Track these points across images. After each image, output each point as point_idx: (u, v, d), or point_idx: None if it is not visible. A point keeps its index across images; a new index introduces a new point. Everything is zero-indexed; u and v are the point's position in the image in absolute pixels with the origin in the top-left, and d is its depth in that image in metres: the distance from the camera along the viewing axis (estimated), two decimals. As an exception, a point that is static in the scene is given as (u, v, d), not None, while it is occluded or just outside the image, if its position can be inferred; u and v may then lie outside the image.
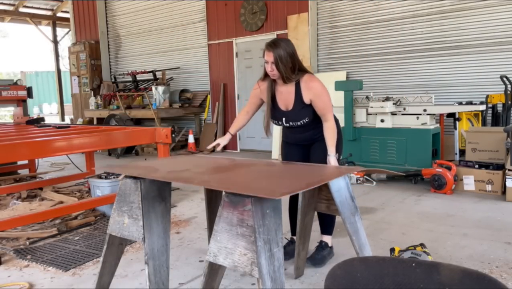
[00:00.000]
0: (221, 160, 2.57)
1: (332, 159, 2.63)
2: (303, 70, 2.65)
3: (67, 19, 12.68)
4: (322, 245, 2.92)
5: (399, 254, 2.63)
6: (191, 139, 8.37)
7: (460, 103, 5.19)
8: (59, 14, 14.05)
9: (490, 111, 5.24)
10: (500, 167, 4.50)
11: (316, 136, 2.75)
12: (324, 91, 2.61)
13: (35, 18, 13.78)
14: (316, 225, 3.46)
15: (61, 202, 4.39)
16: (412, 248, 2.63)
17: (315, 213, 2.61)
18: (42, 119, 6.03)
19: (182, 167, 2.29)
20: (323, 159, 2.66)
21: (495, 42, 5.50)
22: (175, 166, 2.34)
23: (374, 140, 5.24)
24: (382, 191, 4.76)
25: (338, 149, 2.71)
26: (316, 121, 2.69)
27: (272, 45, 2.55)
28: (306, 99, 2.62)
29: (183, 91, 8.84)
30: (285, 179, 1.95)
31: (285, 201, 1.80)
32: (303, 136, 2.79)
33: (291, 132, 2.82)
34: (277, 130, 7.24)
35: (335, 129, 2.67)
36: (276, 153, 7.11)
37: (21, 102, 6.89)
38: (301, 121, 2.67)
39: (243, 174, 2.09)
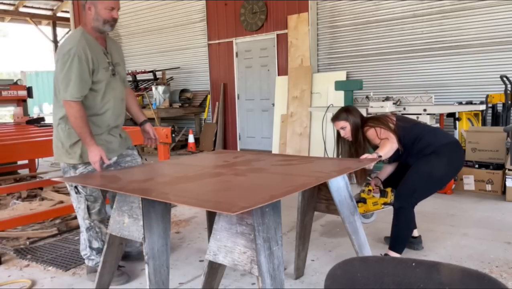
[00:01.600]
0: (191, 168, 2.51)
1: (371, 154, 2.70)
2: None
3: (67, 19, 12.67)
4: None
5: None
6: (191, 139, 8.37)
7: (460, 103, 5.19)
8: (59, 14, 14.04)
9: (490, 111, 5.23)
10: (500, 167, 4.50)
11: (417, 159, 2.85)
12: (369, 131, 2.87)
13: (35, 18, 13.78)
14: (316, 225, 3.47)
15: (61, 202, 4.38)
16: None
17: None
18: (42, 119, 6.03)
19: (147, 176, 2.23)
20: (414, 169, 2.81)
21: (495, 42, 5.50)
22: (141, 175, 2.28)
23: (374, 140, 5.23)
24: (382, 191, 4.75)
25: (433, 165, 2.78)
26: (409, 151, 2.83)
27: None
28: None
29: (183, 91, 8.84)
30: (249, 191, 1.85)
31: (285, 199, 1.79)
32: (408, 160, 2.94)
33: (401, 161, 3.01)
34: (277, 130, 7.25)
35: (390, 146, 2.75)
36: (276, 152, 7.11)
37: (21, 102, 6.89)
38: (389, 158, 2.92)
39: (207, 184, 2.04)
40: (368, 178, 3.01)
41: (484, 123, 5.27)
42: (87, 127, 2.42)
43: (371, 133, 2.86)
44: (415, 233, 3.11)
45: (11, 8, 13.00)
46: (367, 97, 5.43)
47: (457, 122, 5.22)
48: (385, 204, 2.90)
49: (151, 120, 8.95)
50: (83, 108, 2.44)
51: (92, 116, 2.54)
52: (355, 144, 2.93)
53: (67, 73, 2.38)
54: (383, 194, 2.92)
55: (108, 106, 2.59)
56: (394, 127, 2.83)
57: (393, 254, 2.80)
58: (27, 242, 3.43)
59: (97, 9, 2.44)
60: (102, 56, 2.54)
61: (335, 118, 2.97)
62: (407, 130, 2.85)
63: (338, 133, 3.01)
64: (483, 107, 5.05)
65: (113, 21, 2.50)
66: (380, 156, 2.66)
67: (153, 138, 2.83)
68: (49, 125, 5.17)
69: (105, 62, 2.56)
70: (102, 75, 2.51)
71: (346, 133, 2.94)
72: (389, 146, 2.75)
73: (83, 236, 2.71)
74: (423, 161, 2.78)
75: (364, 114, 5.31)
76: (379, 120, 2.90)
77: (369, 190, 2.92)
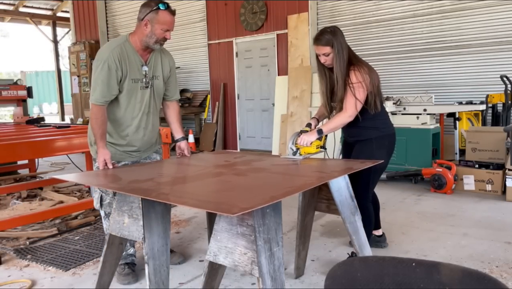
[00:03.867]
0: (191, 168, 2.52)
1: (313, 131, 2.64)
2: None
3: (67, 19, 12.67)
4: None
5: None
6: (191, 139, 8.35)
7: (460, 103, 5.19)
8: (59, 14, 14.04)
9: (490, 111, 5.23)
10: (500, 166, 4.50)
11: (359, 136, 2.79)
12: (354, 84, 2.61)
13: (35, 18, 13.78)
14: (316, 225, 3.47)
15: (61, 202, 4.39)
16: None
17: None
18: (42, 118, 6.03)
19: (147, 176, 2.23)
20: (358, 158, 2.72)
21: (495, 42, 5.50)
22: (141, 175, 2.27)
23: (374, 140, 5.23)
24: (382, 191, 4.75)
25: (376, 154, 2.69)
26: (360, 120, 2.70)
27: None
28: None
29: (183, 90, 8.84)
30: (249, 192, 1.84)
31: (286, 199, 1.79)
32: (348, 131, 2.88)
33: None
34: (277, 130, 7.25)
35: (340, 121, 2.66)
36: (276, 152, 7.11)
37: (21, 102, 6.89)
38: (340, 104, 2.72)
39: (208, 184, 2.03)
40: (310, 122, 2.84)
41: (484, 123, 5.27)
42: (100, 130, 2.52)
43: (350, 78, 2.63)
44: (380, 232, 3.15)
45: (11, 8, 13.00)
46: (367, 97, 5.42)
47: (457, 122, 5.22)
48: (318, 146, 2.71)
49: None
50: (104, 112, 2.55)
51: (112, 122, 2.65)
52: (336, 76, 2.65)
53: (95, 79, 2.52)
54: (319, 138, 2.71)
55: (129, 116, 2.66)
56: (371, 90, 2.65)
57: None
58: (27, 242, 3.43)
59: (154, 28, 2.51)
60: (135, 68, 2.60)
61: (317, 41, 2.66)
62: (374, 102, 2.69)
63: (318, 60, 2.74)
64: (483, 107, 5.05)
65: (164, 41, 2.60)
66: (320, 132, 2.61)
67: (187, 155, 2.88)
68: (49, 125, 5.17)
69: (137, 74, 2.61)
70: (127, 85, 2.59)
71: (328, 60, 2.67)
72: (338, 122, 2.66)
73: (104, 225, 2.82)
74: (366, 155, 2.70)
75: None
76: (362, 74, 2.63)
77: (305, 131, 2.71)
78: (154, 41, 2.55)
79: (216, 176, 2.21)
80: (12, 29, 27.37)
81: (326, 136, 2.76)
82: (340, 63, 2.64)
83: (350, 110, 2.63)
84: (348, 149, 2.94)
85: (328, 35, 2.64)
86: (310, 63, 6.93)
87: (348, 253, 2.92)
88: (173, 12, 2.56)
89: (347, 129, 2.87)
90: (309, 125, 2.79)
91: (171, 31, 2.58)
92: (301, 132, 2.66)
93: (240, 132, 8.32)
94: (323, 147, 2.75)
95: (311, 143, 2.60)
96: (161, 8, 2.49)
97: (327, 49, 2.65)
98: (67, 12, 12.23)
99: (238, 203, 1.58)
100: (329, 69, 2.76)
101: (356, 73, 2.64)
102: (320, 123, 2.90)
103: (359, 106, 2.64)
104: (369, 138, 2.76)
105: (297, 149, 2.60)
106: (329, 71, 2.77)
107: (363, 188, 2.74)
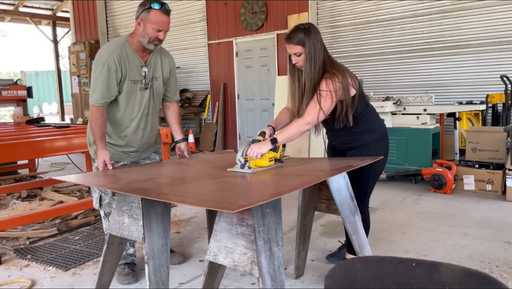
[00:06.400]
0: (191, 168, 2.52)
1: (266, 141, 2.34)
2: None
3: (67, 19, 12.68)
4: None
5: None
6: (191, 139, 8.34)
7: (460, 103, 5.19)
8: (59, 14, 14.05)
9: (490, 111, 5.23)
10: (500, 166, 4.50)
11: (354, 142, 2.56)
12: (323, 91, 2.35)
13: (35, 18, 13.78)
14: (316, 225, 3.47)
15: (61, 202, 4.39)
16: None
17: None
18: (42, 118, 6.03)
19: (147, 176, 2.22)
20: (359, 172, 2.40)
21: (495, 42, 5.50)
22: (140, 175, 2.26)
23: (374, 140, 5.23)
24: (382, 191, 4.76)
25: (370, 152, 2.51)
26: (349, 127, 2.50)
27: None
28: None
29: (183, 90, 8.84)
30: (249, 191, 1.85)
31: (286, 199, 1.79)
32: (340, 139, 2.62)
33: (329, 134, 2.69)
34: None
35: (296, 129, 2.38)
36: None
37: (21, 102, 6.89)
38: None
39: (207, 185, 2.02)
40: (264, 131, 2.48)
41: (484, 123, 5.27)
42: (100, 131, 2.50)
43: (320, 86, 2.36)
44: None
45: (11, 8, 13.00)
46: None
47: (457, 122, 5.23)
48: (272, 159, 2.35)
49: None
50: (104, 114, 2.53)
51: (111, 122, 2.64)
52: (304, 81, 2.39)
53: (95, 80, 2.51)
54: (274, 148, 2.37)
55: (128, 117, 2.65)
56: (343, 99, 2.38)
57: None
58: (27, 242, 3.43)
59: (146, 27, 2.48)
60: (135, 69, 2.59)
61: (288, 39, 2.39)
62: (345, 115, 2.43)
63: (290, 60, 2.46)
64: (483, 107, 5.06)
65: (157, 41, 2.56)
66: (275, 142, 2.30)
67: (187, 156, 2.85)
68: (49, 125, 5.17)
69: (136, 75, 2.60)
70: (126, 86, 2.57)
71: (299, 61, 2.39)
72: (295, 130, 2.35)
73: (104, 225, 2.82)
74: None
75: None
76: (334, 83, 2.34)
77: (258, 141, 2.37)
78: (147, 41, 2.51)
79: (216, 178, 2.21)
80: (12, 29, 27.37)
81: (284, 146, 2.45)
82: (311, 65, 2.37)
83: (309, 118, 2.35)
84: (339, 156, 2.68)
85: (301, 33, 2.36)
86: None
87: (339, 241, 2.91)
88: (166, 12, 2.48)
89: (338, 137, 2.61)
90: (262, 133, 2.44)
91: (164, 31, 2.52)
92: (254, 141, 2.34)
93: (240, 132, 8.32)
94: (279, 160, 2.40)
95: (262, 156, 2.26)
96: (153, 7, 2.43)
97: (298, 49, 2.37)
98: (67, 12, 12.23)
99: (238, 201, 1.58)
100: (301, 71, 2.47)
101: (328, 81, 2.36)
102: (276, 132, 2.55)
103: (322, 116, 2.36)
104: (366, 143, 2.54)
105: (246, 161, 2.22)
106: (301, 74, 2.49)
107: (361, 192, 2.59)
